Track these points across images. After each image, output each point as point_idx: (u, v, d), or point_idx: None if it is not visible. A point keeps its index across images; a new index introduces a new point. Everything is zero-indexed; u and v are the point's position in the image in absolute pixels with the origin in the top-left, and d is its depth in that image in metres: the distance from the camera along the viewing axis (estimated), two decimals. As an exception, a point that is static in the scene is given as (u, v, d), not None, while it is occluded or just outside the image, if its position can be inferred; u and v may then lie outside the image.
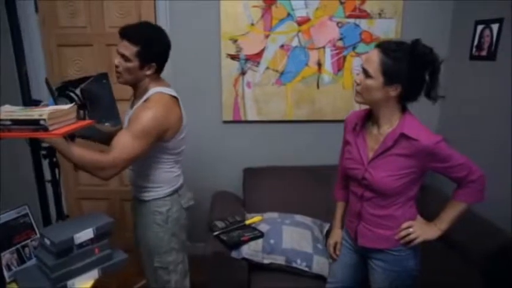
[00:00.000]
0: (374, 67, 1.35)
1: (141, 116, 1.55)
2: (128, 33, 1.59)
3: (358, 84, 1.42)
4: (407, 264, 1.54)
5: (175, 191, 1.78)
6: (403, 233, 1.48)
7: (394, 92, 1.36)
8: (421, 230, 1.49)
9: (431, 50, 1.36)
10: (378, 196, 1.47)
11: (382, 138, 1.44)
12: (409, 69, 1.33)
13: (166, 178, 1.75)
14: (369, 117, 1.52)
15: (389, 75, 1.34)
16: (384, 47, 1.36)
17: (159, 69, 1.70)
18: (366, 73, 1.37)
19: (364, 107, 1.51)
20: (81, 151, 1.45)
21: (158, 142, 1.62)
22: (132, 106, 1.77)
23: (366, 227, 1.54)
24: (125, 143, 1.52)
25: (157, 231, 1.76)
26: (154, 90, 1.65)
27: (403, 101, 1.43)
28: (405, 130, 1.38)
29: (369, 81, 1.37)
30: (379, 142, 1.45)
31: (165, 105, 1.61)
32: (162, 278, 1.83)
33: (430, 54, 1.36)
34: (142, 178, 1.74)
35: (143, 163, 1.69)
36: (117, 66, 1.63)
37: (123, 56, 1.60)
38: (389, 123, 1.44)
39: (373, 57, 1.36)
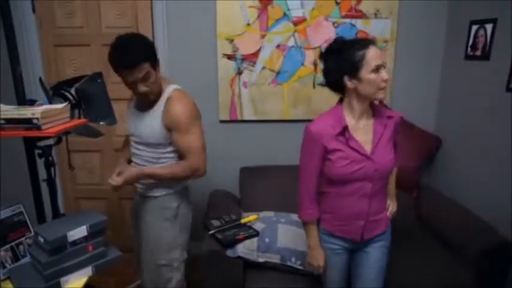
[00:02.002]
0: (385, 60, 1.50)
1: (179, 113, 1.68)
2: (126, 62, 1.59)
3: (386, 81, 1.47)
4: (390, 237, 1.71)
5: (185, 187, 1.89)
6: (392, 209, 1.73)
7: None
8: (393, 202, 1.76)
9: None
10: (384, 183, 1.59)
11: (370, 127, 1.55)
12: None
13: None
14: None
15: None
16: (373, 42, 1.49)
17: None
18: (384, 67, 1.48)
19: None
20: (170, 169, 1.73)
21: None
22: (138, 106, 1.79)
23: (372, 221, 1.59)
24: (189, 142, 1.71)
25: (167, 227, 1.82)
26: (171, 87, 1.75)
27: None
28: (387, 113, 1.59)
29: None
30: (369, 132, 1.54)
31: (189, 97, 1.77)
32: (164, 276, 1.84)
33: None
34: None
35: (160, 159, 1.77)
36: (145, 92, 1.65)
37: (143, 79, 1.61)
38: (369, 111, 1.57)
39: (381, 52, 1.49)
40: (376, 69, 1.44)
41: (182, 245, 1.88)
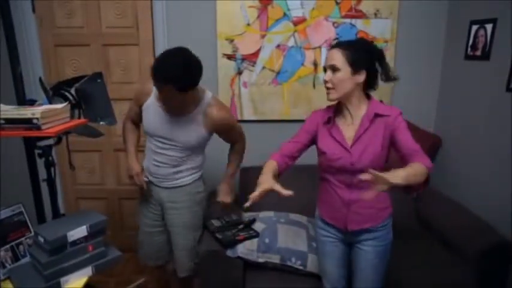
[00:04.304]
0: (339, 60, 1.50)
1: (225, 117, 1.92)
2: (156, 77, 1.63)
3: (327, 82, 1.53)
4: (389, 236, 1.69)
5: (202, 173, 2.10)
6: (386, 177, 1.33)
7: (361, 77, 1.52)
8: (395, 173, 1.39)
9: (373, 42, 1.69)
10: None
11: (357, 125, 1.57)
12: (367, 55, 1.53)
13: (202, 161, 2.06)
14: (336, 113, 1.64)
15: (354, 64, 1.50)
16: (340, 44, 1.55)
17: None
18: (333, 68, 1.51)
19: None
20: (239, 158, 2.15)
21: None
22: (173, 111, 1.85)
23: (355, 212, 1.62)
24: (239, 132, 2.07)
25: (198, 210, 2.06)
26: (208, 95, 1.89)
27: (367, 89, 1.60)
28: (377, 110, 1.55)
29: (338, 74, 1.50)
30: (355, 130, 1.57)
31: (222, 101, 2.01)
32: (195, 252, 2.08)
33: (373, 44, 1.63)
34: (188, 164, 1.96)
35: (195, 150, 1.95)
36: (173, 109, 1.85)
37: (165, 97, 1.78)
38: (360, 110, 1.58)
39: (335, 54, 1.52)
40: (325, 70, 1.55)
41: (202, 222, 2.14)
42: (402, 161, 1.51)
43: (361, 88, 1.56)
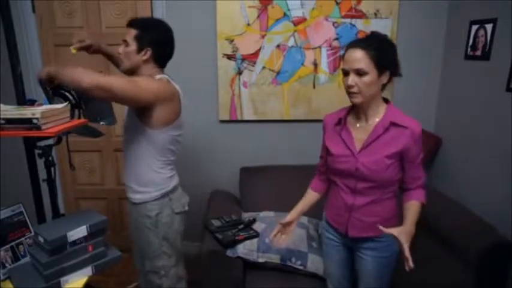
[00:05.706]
0: (365, 62, 1.40)
1: (147, 77, 1.66)
2: (131, 21, 1.70)
3: (352, 86, 1.43)
4: (394, 248, 1.59)
5: (166, 195, 1.75)
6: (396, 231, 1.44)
7: (385, 78, 1.45)
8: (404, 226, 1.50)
9: (386, 35, 1.56)
10: (371, 185, 1.53)
11: (371, 128, 1.51)
12: (389, 53, 1.45)
13: (155, 179, 1.72)
14: (350, 113, 1.60)
15: (380, 64, 1.41)
16: (360, 43, 1.44)
17: (157, 58, 1.71)
18: (359, 72, 1.41)
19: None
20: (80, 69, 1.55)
21: (142, 120, 1.65)
22: None
23: (357, 218, 1.59)
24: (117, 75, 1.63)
25: (148, 235, 1.76)
26: (161, 75, 1.71)
27: (382, 88, 1.50)
28: (394, 119, 1.47)
29: (366, 78, 1.41)
30: (368, 133, 1.51)
31: (162, 83, 1.66)
32: (154, 282, 1.83)
33: (388, 38, 1.53)
34: (134, 178, 1.75)
35: (134, 160, 1.73)
36: (119, 54, 1.71)
37: (124, 41, 1.68)
38: (377, 114, 1.52)
39: (358, 56, 1.41)
40: (344, 73, 1.46)
41: (168, 252, 1.80)
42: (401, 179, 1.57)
43: (381, 89, 1.48)
